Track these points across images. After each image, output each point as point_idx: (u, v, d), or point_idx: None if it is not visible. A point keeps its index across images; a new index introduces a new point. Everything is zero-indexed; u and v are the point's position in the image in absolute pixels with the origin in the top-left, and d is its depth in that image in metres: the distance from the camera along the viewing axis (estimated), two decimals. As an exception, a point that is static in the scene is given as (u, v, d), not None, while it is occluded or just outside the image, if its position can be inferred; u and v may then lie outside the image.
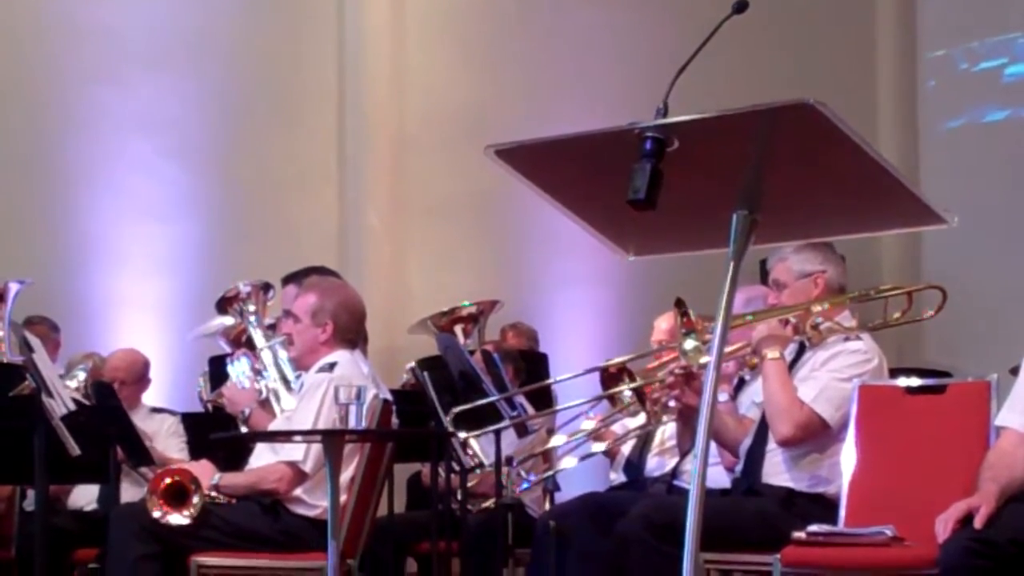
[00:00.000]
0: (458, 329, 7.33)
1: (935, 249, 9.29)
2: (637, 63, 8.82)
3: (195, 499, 4.89)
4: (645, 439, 5.63)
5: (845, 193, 2.55)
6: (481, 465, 5.89)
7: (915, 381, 4.69)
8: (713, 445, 4.70)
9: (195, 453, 6.45)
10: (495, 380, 5.55)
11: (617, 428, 5.66)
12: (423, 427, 5.66)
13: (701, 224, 2.69)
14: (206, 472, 5.09)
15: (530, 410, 5.97)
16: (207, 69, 8.98)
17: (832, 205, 2.62)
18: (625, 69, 9.08)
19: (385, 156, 9.20)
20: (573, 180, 2.64)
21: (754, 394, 4.84)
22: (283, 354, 5.74)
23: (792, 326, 4.72)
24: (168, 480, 4.92)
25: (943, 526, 3.76)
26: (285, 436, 5.02)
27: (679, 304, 4.67)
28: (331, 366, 5.12)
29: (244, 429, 5.59)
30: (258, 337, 6.12)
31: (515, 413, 5.43)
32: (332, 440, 4.57)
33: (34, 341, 5.30)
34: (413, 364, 5.86)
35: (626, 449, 5.73)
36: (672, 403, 4.91)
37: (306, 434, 4.88)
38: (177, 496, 4.90)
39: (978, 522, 3.69)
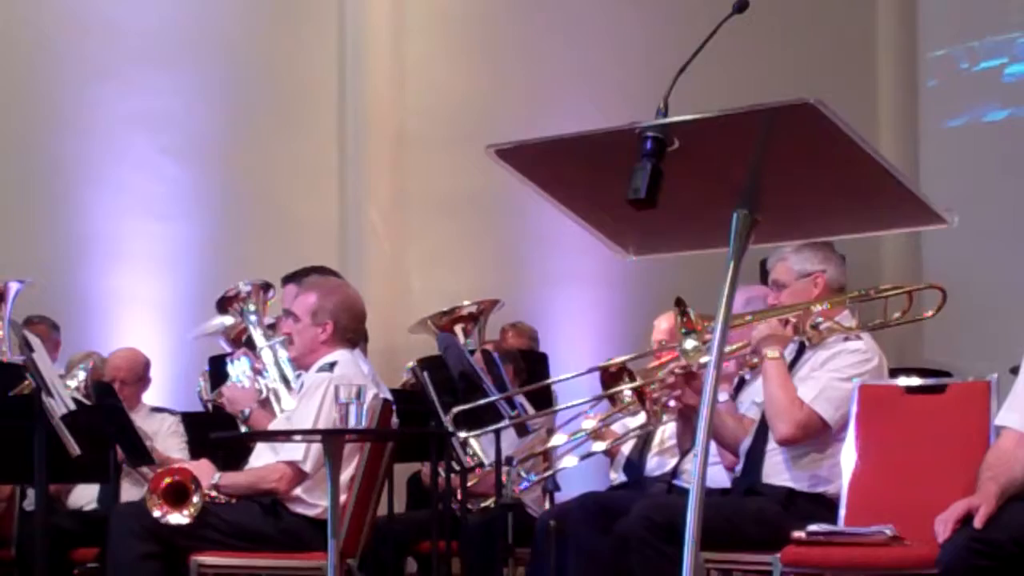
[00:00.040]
0: (458, 329, 7.33)
1: (935, 249, 9.30)
2: (638, 62, 8.83)
3: (195, 499, 4.89)
4: (645, 439, 5.63)
5: (845, 193, 2.55)
6: (481, 465, 5.89)
7: (915, 381, 4.69)
8: (713, 445, 4.70)
9: (195, 453, 6.45)
10: (495, 380, 5.55)
11: (617, 428, 5.65)
12: (423, 427, 5.65)
13: (701, 223, 2.69)
14: (206, 472, 5.09)
15: (530, 410, 5.98)
16: (208, 67, 8.98)
17: (832, 205, 2.62)
18: (626, 68, 9.08)
19: (385, 154, 9.20)
20: (573, 179, 2.64)
21: (754, 394, 4.83)
22: (283, 354, 5.74)
23: (792, 326, 4.72)
24: (168, 480, 4.92)
25: (943, 526, 3.75)
26: (285, 436, 5.02)
27: (679, 304, 4.67)
28: (331, 366, 5.12)
29: (244, 429, 5.59)
30: (258, 337, 6.13)
31: (515, 413, 5.43)
32: (332, 440, 4.56)
33: (34, 340, 5.30)
34: (413, 363, 5.86)
35: (626, 449, 5.73)
36: (672, 403, 4.91)
37: (306, 434, 4.88)
38: (177, 496, 4.89)
39: (978, 522, 3.69)
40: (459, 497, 5.73)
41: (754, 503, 4.56)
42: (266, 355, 5.85)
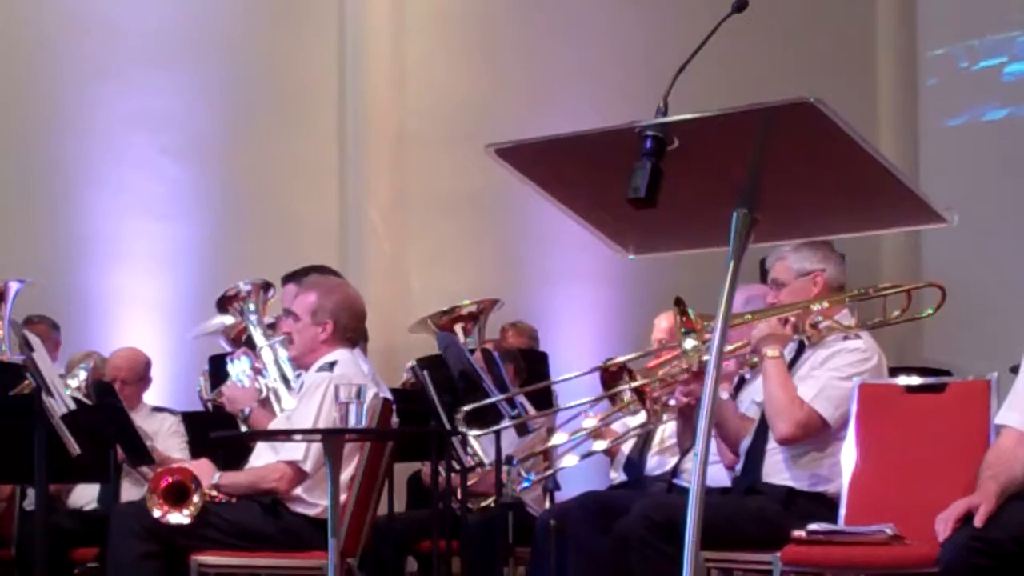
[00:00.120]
0: (458, 328, 7.33)
1: (935, 248, 9.30)
2: (637, 62, 8.83)
3: (195, 498, 4.89)
4: (645, 438, 5.63)
5: (845, 191, 2.55)
6: (481, 464, 5.89)
7: (915, 380, 4.69)
8: (713, 444, 4.70)
9: (195, 452, 6.45)
10: (495, 379, 5.55)
11: (617, 427, 5.65)
12: (423, 426, 5.66)
13: (701, 222, 2.69)
14: (206, 471, 5.09)
15: (530, 409, 5.97)
16: (208, 66, 8.98)
17: (832, 204, 2.62)
18: (625, 68, 9.08)
19: (385, 154, 9.20)
20: (573, 179, 2.64)
21: (754, 393, 4.83)
22: (283, 353, 5.74)
23: (791, 325, 4.72)
24: (168, 479, 4.92)
25: (943, 525, 3.75)
26: (285, 435, 5.02)
27: (678, 303, 4.67)
28: (331, 365, 5.13)
29: (244, 428, 5.59)
30: (258, 336, 6.13)
31: (515, 412, 5.43)
32: (332, 439, 4.56)
33: (34, 340, 5.30)
34: (413, 363, 5.86)
35: (626, 448, 5.73)
36: (672, 402, 4.91)
37: (306, 433, 4.88)
38: (177, 495, 4.90)
39: (978, 521, 3.69)
40: (459, 496, 5.73)
41: (754, 502, 4.56)
42: (266, 354, 5.85)
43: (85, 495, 6.79)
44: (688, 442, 5.03)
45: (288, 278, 6.16)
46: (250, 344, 6.07)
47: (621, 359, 5.18)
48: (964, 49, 9.65)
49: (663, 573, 4.27)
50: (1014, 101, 9.42)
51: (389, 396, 5.21)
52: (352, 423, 4.54)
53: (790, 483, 4.58)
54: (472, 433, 5.37)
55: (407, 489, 7.43)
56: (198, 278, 8.49)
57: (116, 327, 8.51)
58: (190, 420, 6.83)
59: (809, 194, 2.58)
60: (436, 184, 9.14)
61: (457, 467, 5.71)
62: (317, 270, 6.19)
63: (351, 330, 5.28)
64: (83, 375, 6.73)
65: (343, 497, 4.79)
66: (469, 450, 5.81)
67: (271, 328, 6.11)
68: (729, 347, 4.66)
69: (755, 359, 4.74)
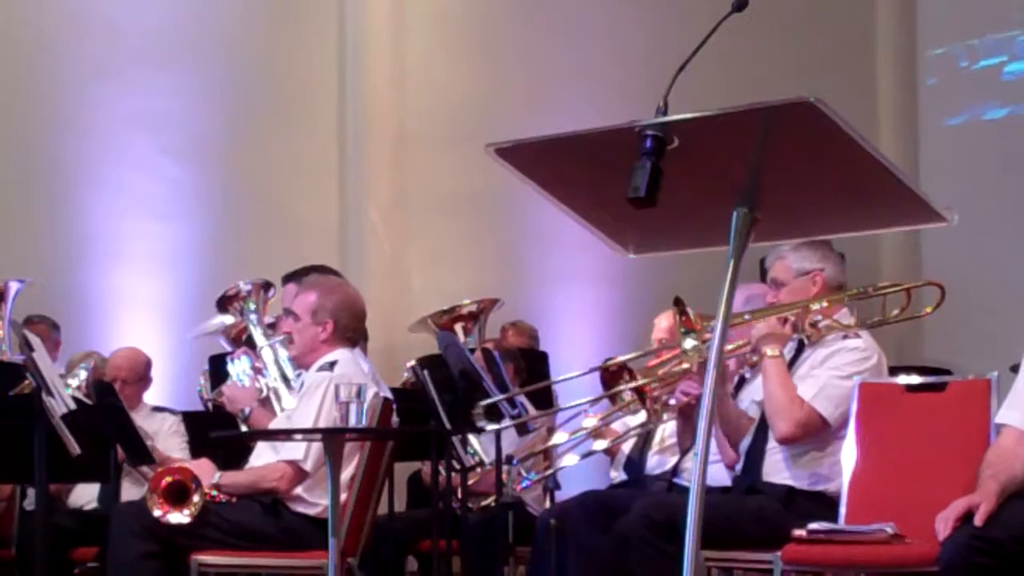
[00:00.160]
0: (458, 327, 7.32)
1: (935, 247, 9.30)
2: (637, 62, 8.83)
3: (195, 498, 4.89)
4: (646, 437, 5.63)
5: (845, 191, 2.55)
6: (481, 464, 5.89)
7: (915, 379, 4.68)
8: (713, 443, 4.70)
9: (196, 452, 6.45)
10: (495, 378, 5.55)
11: (618, 426, 5.66)
12: (423, 426, 5.66)
13: (701, 222, 2.69)
14: (206, 471, 5.09)
15: (530, 409, 5.97)
16: (208, 66, 8.98)
17: (832, 203, 2.62)
18: (625, 68, 9.09)
19: (385, 153, 9.20)
20: (573, 178, 2.64)
21: (754, 392, 4.83)
22: (283, 353, 5.74)
23: (791, 324, 4.72)
24: (168, 479, 4.92)
25: (943, 524, 3.75)
26: (285, 435, 5.02)
27: (677, 303, 4.67)
28: (331, 365, 5.13)
29: (244, 428, 5.59)
30: (258, 336, 6.13)
31: (516, 412, 5.43)
32: (332, 439, 4.57)
33: (34, 340, 5.30)
34: (413, 362, 5.86)
35: (627, 447, 5.73)
36: (672, 401, 4.91)
37: (306, 433, 4.88)
38: (177, 495, 4.90)
39: (978, 519, 3.69)
40: (459, 496, 5.73)
41: (754, 501, 4.56)
42: (266, 354, 5.85)
43: (85, 495, 6.79)
44: (688, 441, 5.03)
45: (288, 278, 6.16)
46: (250, 344, 6.07)
47: (621, 359, 5.18)
48: (964, 48, 9.65)
49: (663, 572, 4.27)
50: (1014, 100, 9.42)
51: (389, 396, 5.21)
52: (352, 423, 4.54)
53: (790, 482, 4.58)
54: (491, 426, 5.35)
55: (407, 489, 7.44)
56: (198, 278, 8.49)
57: (116, 327, 8.52)
58: (190, 420, 6.84)
59: (809, 193, 2.58)
60: (436, 184, 9.15)
61: (457, 467, 5.71)
62: (317, 270, 6.19)
63: (351, 330, 5.28)
64: (83, 375, 6.73)
65: (343, 497, 4.80)
66: (469, 449, 5.81)
67: (271, 328, 6.11)
68: (729, 346, 4.66)
69: (755, 358, 4.74)
